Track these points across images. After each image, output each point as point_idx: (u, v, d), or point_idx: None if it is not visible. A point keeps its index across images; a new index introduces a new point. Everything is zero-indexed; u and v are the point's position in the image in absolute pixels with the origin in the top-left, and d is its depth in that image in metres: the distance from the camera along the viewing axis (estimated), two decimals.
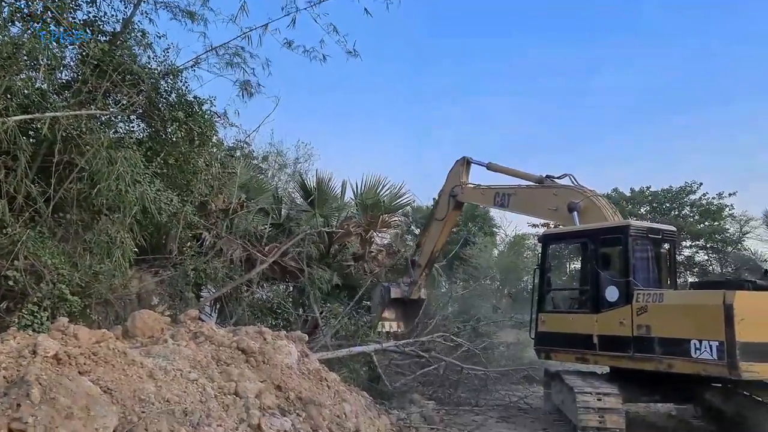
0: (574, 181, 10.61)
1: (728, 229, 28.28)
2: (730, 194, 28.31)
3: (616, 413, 7.74)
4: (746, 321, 7.07)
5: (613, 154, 66.08)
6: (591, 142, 69.25)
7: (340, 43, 9.80)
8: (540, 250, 10.86)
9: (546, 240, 10.57)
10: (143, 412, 4.33)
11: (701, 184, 28.91)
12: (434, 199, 13.47)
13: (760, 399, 7.72)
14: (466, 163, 12.75)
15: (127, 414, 4.22)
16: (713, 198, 28.59)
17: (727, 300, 7.17)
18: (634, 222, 9.02)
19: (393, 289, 13.40)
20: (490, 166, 12.39)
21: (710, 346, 7.27)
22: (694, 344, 7.43)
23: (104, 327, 6.38)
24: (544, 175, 11.21)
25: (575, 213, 9.77)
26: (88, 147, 7.07)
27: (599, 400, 7.83)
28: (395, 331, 13.45)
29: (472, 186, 12.68)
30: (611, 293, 8.54)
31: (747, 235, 28.02)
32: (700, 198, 28.93)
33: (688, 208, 29.28)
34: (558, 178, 11.04)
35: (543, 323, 9.58)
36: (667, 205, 29.51)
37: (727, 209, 28.34)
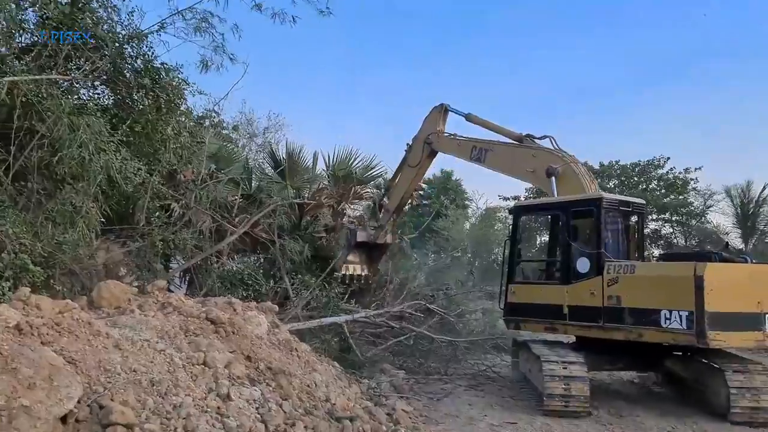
0: (555, 144, 10.40)
1: (692, 202, 28.92)
2: (695, 169, 28.90)
3: (581, 381, 7.94)
4: (714, 292, 7.28)
5: (582, 126, 66.79)
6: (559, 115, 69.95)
7: (311, 3, 9.59)
8: (510, 221, 10.74)
9: (517, 211, 10.53)
10: (109, 382, 4.29)
11: (668, 158, 29.41)
12: (408, 144, 13.12)
13: (717, 366, 7.98)
14: (444, 110, 12.42)
15: (92, 384, 4.18)
16: (680, 173, 29.14)
17: (697, 271, 7.36)
18: (606, 194, 9.08)
19: (359, 232, 13.30)
20: (469, 118, 12.02)
21: (680, 316, 7.46)
22: (664, 314, 7.60)
23: (69, 298, 6.25)
24: (524, 134, 10.95)
25: (553, 178, 9.63)
26: (49, 113, 6.84)
27: (565, 368, 8.01)
28: (358, 275, 13.50)
29: (448, 135, 12.31)
30: (582, 264, 8.62)
31: (710, 209, 28.72)
32: (667, 172, 29.45)
33: (655, 182, 29.79)
34: (539, 138, 10.80)
35: (513, 294, 9.58)
36: (635, 178, 29.97)
37: (692, 183, 28.94)
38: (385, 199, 13.71)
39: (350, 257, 13.44)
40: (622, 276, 8.12)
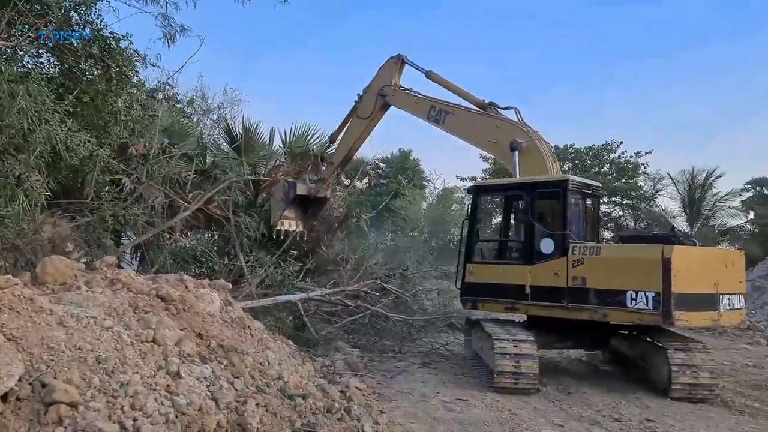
0: (519, 117, 10.13)
1: (642, 186, 29.74)
2: (646, 153, 29.69)
3: (531, 359, 8.14)
4: (680, 273, 7.53)
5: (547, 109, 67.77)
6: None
7: None
8: (470, 200, 10.53)
9: (477, 190, 10.38)
10: (52, 360, 4.17)
11: (621, 142, 30.11)
12: (358, 94, 12.47)
13: (660, 344, 8.29)
14: (400, 61, 11.86)
15: (35, 362, 4.05)
16: (631, 156, 29.88)
17: (665, 254, 7.58)
18: (572, 177, 9.18)
19: (299, 185, 12.85)
20: (429, 75, 11.45)
21: (646, 297, 7.66)
22: (630, 295, 7.78)
23: (12, 274, 6.04)
24: (487, 102, 10.58)
25: (516, 153, 9.53)
26: None
27: (515, 346, 8.19)
28: (294, 231, 13.15)
29: (405, 90, 11.77)
30: (546, 245, 8.65)
31: (659, 193, 29.61)
32: (619, 156, 30.16)
33: (607, 165, 30.48)
34: (503, 108, 10.46)
35: (471, 274, 9.51)
36: (589, 162, 30.61)
37: (643, 167, 29.73)
38: (327, 152, 13.15)
39: (287, 212, 12.99)
40: (588, 257, 8.24)
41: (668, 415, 7.28)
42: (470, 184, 34.83)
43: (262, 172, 14.52)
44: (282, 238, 12.78)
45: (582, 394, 8.24)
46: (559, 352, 10.90)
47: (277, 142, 15.27)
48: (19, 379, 3.83)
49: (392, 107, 12.04)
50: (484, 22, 79.79)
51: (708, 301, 7.88)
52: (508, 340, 8.27)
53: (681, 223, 27.42)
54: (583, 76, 72.33)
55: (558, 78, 74.47)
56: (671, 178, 27.98)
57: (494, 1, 79.30)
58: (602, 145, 30.42)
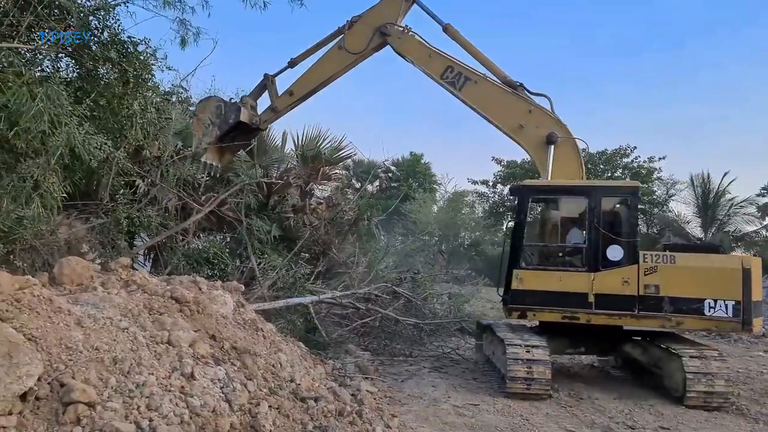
0: (552, 108, 9.59)
1: (656, 191, 29.57)
2: (659, 158, 29.56)
3: (543, 364, 8.12)
4: (754, 282, 7.94)
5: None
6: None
7: None
8: (515, 202, 9.78)
9: (526, 192, 9.36)
10: (70, 360, 4.22)
11: (635, 147, 29.98)
12: (349, 21, 10.78)
13: (674, 351, 8.25)
14: (412, 1, 10.48)
15: (53, 362, 4.10)
16: (644, 161, 29.75)
17: (745, 265, 7.97)
18: (640, 184, 9.26)
19: (243, 110, 11.21)
20: (448, 30, 10.11)
21: (726, 305, 7.94)
22: (709, 303, 8.00)
23: (30, 274, 6.11)
24: (518, 82, 9.73)
25: (552, 147, 9.22)
26: (9, 84, 6.61)
27: (528, 351, 8.18)
28: (216, 165, 11.87)
29: (416, 36, 10.30)
30: (614, 252, 8.52)
31: (672, 198, 29.44)
32: (632, 161, 30.03)
33: (620, 170, 30.36)
34: (534, 93, 9.75)
35: (520, 281, 8.85)
36: (602, 167, 30.50)
37: (656, 172, 29.59)
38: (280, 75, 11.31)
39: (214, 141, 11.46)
40: (662, 265, 8.28)
41: (683, 422, 7.25)
42: (480, 188, 34.76)
43: (274, 175, 14.58)
44: (207, 174, 11.39)
45: (594, 400, 8.21)
46: (570, 358, 10.87)
47: (289, 146, 15.34)
48: (39, 379, 3.88)
49: (387, 50, 10.54)
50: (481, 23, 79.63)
51: (760, 308, 8.35)
52: (520, 345, 8.26)
53: (695, 229, 27.22)
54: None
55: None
56: (691, 180, 27.70)
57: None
58: (615, 149, 30.31)
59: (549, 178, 9.36)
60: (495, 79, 9.93)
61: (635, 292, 8.32)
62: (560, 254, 9.58)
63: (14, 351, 3.76)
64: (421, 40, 10.28)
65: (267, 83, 11.51)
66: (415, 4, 10.57)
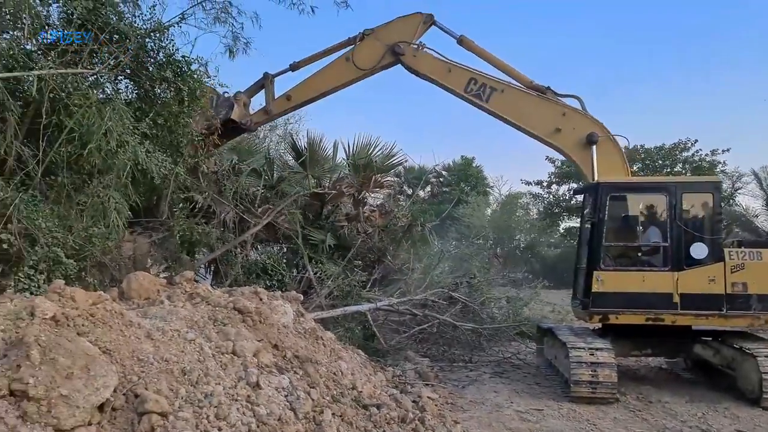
0: (584, 108, 9.42)
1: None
2: (723, 150, 28.41)
3: (608, 367, 7.89)
4: None
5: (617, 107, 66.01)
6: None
7: None
8: (589, 201, 9.33)
9: (603, 190, 8.82)
10: (142, 371, 4.38)
11: (696, 140, 28.93)
12: (361, 33, 10.24)
13: (749, 351, 7.89)
14: (430, 23, 10.05)
15: (127, 373, 4.27)
16: (706, 155, 28.66)
17: None
18: (723, 178, 9.05)
19: (236, 108, 10.55)
20: (462, 41, 9.79)
21: None
22: None
23: (100, 290, 6.39)
24: (545, 86, 9.52)
25: (594, 147, 9.04)
26: (75, 108, 6.95)
27: (592, 354, 7.97)
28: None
29: (432, 52, 9.97)
30: (698, 250, 8.24)
31: (739, 191, 28.20)
32: (693, 155, 28.99)
33: (680, 165, 29.35)
34: (563, 96, 9.56)
35: (600, 282, 8.45)
36: (660, 162, 29.57)
37: (720, 166, 28.44)
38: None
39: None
40: (749, 262, 8.05)
41: (760, 425, 6.92)
42: (534, 189, 34.24)
43: (327, 185, 14.75)
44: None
45: (665, 403, 7.92)
46: (636, 360, 10.54)
47: (341, 155, 15.49)
48: (114, 390, 4.04)
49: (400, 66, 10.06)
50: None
51: None
52: (584, 348, 8.06)
53: (764, 222, 26.01)
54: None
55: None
56: (755, 174, 26.49)
57: None
58: (673, 144, 29.33)
59: (596, 179, 9.11)
60: (520, 85, 9.73)
61: (722, 290, 8.05)
62: (640, 254, 9.12)
63: (91, 364, 3.93)
64: (438, 55, 10.01)
65: (266, 83, 10.85)
66: (433, 26, 10.19)
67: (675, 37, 70.29)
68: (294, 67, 10.86)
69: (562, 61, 74.18)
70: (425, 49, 9.99)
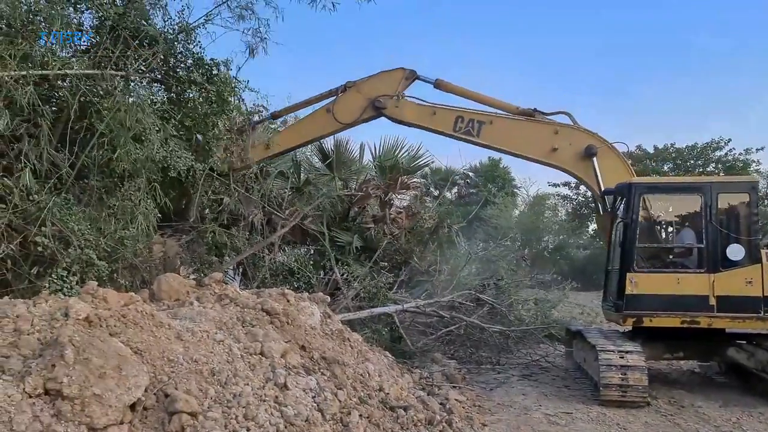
0: (574, 122, 9.43)
1: None
2: (757, 149, 27.76)
3: (639, 371, 7.76)
4: None
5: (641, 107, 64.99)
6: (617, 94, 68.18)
7: None
8: (622, 201, 9.11)
9: (637, 190, 8.69)
10: (172, 371, 4.44)
11: (729, 140, 28.33)
12: (344, 86, 10.18)
13: None
14: (412, 78, 10.05)
15: (158, 374, 4.34)
16: (740, 154, 28.05)
17: None
18: (759, 178, 8.90)
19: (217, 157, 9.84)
20: (440, 85, 9.88)
21: None
22: None
23: (131, 291, 6.51)
24: (531, 108, 9.53)
25: (595, 159, 9.02)
26: (106, 112, 7.09)
27: (622, 357, 7.85)
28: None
29: (414, 100, 9.99)
30: (734, 251, 8.08)
31: None
32: (726, 154, 28.39)
33: (713, 164, 28.77)
34: (550, 114, 9.60)
35: (635, 285, 8.33)
36: (692, 161, 29.02)
37: (754, 165, 27.80)
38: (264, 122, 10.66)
39: None
40: None
41: None
42: (562, 190, 33.89)
43: (354, 187, 14.78)
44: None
45: (697, 408, 7.76)
46: (668, 364, 10.34)
47: (367, 157, 15.51)
48: (145, 390, 4.10)
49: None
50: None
51: None
52: (613, 351, 7.94)
53: None
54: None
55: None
56: None
57: None
58: (706, 143, 28.76)
59: (602, 188, 9.14)
60: (508, 113, 9.76)
61: (760, 293, 7.89)
62: (672, 255, 9.00)
63: (123, 364, 4.00)
64: (420, 102, 10.05)
65: (246, 129, 10.68)
66: (415, 81, 10.14)
67: (706, 32, 68.85)
68: (275, 116, 11.08)
69: (583, 60, 73.38)
70: (405, 98, 10.02)
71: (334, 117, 10.15)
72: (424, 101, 9.99)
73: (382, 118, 10.33)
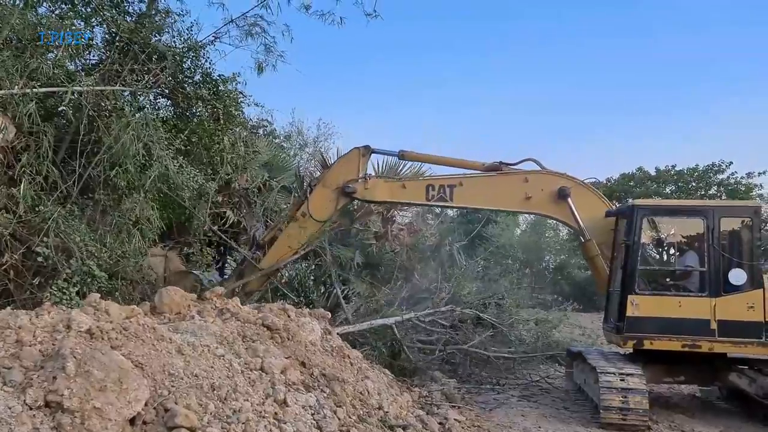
0: (541, 167, 9.60)
1: None
2: (759, 173, 27.82)
3: (640, 394, 7.71)
4: None
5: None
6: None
7: (358, 4, 9.59)
8: (624, 222, 9.03)
9: (640, 212, 8.65)
10: (173, 385, 4.43)
11: (731, 163, 28.39)
12: (309, 187, 10.35)
13: None
14: (369, 153, 10.08)
15: (158, 388, 4.33)
16: (742, 177, 28.12)
17: None
18: (762, 203, 8.90)
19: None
20: (403, 155, 10.09)
21: None
22: None
23: (133, 304, 6.51)
24: (497, 162, 9.66)
25: (569, 199, 9.13)
26: (112, 128, 7.16)
27: (622, 380, 7.81)
28: None
29: (382, 179, 10.17)
30: (736, 276, 8.07)
31: None
32: (728, 177, 28.44)
33: (715, 187, 28.81)
34: (515, 164, 9.74)
35: (636, 307, 8.29)
36: (693, 184, 29.06)
37: (756, 189, 27.86)
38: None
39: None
40: None
41: None
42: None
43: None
44: None
45: None
46: (669, 387, 10.28)
47: (369, 172, 15.53)
48: (145, 404, 4.09)
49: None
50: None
51: None
52: (614, 373, 7.90)
53: None
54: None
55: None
56: None
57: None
58: (707, 165, 28.83)
59: (582, 227, 9.19)
60: (475, 172, 9.84)
61: (762, 317, 7.86)
62: (674, 278, 9.00)
63: (124, 377, 4.00)
64: (387, 179, 10.19)
65: (241, 269, 10.71)
66: (372, 155, 10.21)
67: (720, 57, 69.35)
68: (261, 245, 10.71)
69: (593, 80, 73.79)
70: (372, 178, 10.01)
71: (311, 216, 10.02)
72: (390, 177, 10.24)
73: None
